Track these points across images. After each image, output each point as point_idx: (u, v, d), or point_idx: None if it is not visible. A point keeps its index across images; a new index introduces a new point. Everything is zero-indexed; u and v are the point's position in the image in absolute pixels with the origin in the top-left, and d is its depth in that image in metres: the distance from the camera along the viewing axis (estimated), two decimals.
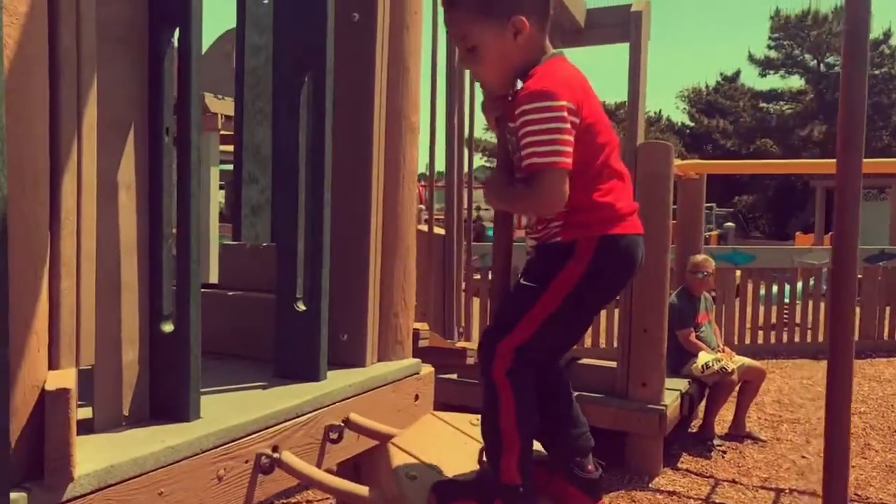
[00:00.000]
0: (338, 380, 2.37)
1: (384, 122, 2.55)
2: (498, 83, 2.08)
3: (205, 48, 9.04)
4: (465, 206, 5.22)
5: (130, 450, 1.68)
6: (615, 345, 7.22)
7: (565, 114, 1.86)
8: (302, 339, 2.37)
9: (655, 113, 46.23)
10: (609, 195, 1.97)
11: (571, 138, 1.87)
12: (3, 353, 1.34)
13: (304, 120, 2.37)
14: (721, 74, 46.66)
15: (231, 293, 2.82)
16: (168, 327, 1.93)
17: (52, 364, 1.56)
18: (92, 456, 1.61)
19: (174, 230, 1.93)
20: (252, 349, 2.67)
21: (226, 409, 2.03)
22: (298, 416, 2.14)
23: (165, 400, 1.92)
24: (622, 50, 5.43)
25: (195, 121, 1.89)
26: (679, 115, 49.37)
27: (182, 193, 1.89)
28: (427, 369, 2.76)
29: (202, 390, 2.03)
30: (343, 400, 2.31)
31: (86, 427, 1.79)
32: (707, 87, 46.04)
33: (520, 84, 2.02)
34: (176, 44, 1.90)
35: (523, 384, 1.98)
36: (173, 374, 1.91)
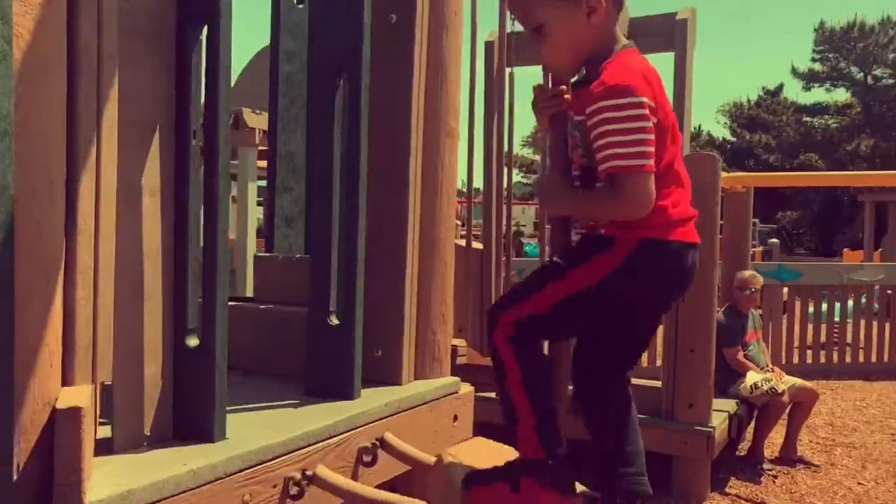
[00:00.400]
0: (372, 399, 2.24)
1: (422, 128, 2.43)
2: (565, 66, 1.94)
3: (243, 63, 9.08)
4: (504, 220, 5.07)
5: (150, 473, 1.56)
6: (658, 363, 7.01)
7: (647, 111, 1.73)
8: (334, 354, 2.25)
9: (695, 128, 45.62)
10: (666, 199, 1.83)
11: (653, 137, 1.74)
12: (7, 365, 1.24)
13: (340, 126, 2.26)
14: (763, 88, 45.97)
15: (263, 307, 2.72)
16: (193, 341, 1.82)
17: (67, 379, 1.45)
18: (108, 479, 1.50)
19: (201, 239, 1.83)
20: (285, 365, 2.56)
21: (253, 430, 1.91)
22: (330, 438, 2.01)
23: (189, 419, 1.81)
24: (662, 60, 5.28)
25: (223, 124, 1.78)
26: (720, 130, 48.79)
27: (209, 199, 1.78)
28: (466, 388, 2.62)
29: (229, 408, 1.91)
30: (378, 420, 2.18)
31: (105, 447, 1.69)
32: (749, 101, 45.37)
33: (584, 72, 1.90)
34: (204, 42, 1.80)
35: (527, 352, 1.89)
36: (198, 391, 1.80)
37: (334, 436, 2.03)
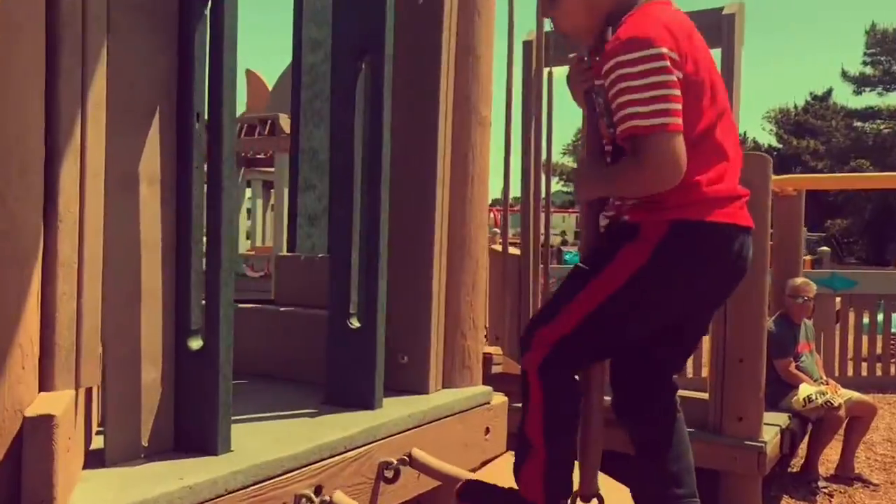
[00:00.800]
0: (395, 408, 2.07)
1: (451, 115, 2.25)
2: (583, 29, 1.74)
3: (282, 68, 9.00)
4: (542, 226, 4.88)
5: (140, 488, 1.40)
6: (703, 374, 6.75)
7: (667, 63, 1.51)
8: (355, 360, 2.09)
9: (741, 135, 44.78)
10: (702, 172, 1.57)
11: (679, 92, 1.52)
12: None
13: (362, 115, 2.10)
14: (811, 94, 45.06)
15: (283, 309, 2.56)
16: (196, 343, 1.67)
17: (46, 384, 1.30)
18: (91, 495, 1.34)
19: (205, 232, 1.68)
20: (305, 371, 2.40)
21: (262, 442, 1.75)
22: (347, 451, 1.84)
23: (191, 429, 1.66)
24: None
25: (229, 103, 1.63)
26: (766, 136, 47.86)
27: (213, 186, 1.63)
28: (499, 399, 2.43)
29: (238, 418, 1.76)
30: (401, 432, 2.00)
31: (98, 459, 1.54)
32: (796, 107, 44.50)
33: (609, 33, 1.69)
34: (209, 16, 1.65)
35: (557, 383, 1.66)
36: (200, 398, 1.64)
37: (352, 449, 1.85)
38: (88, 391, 1.54)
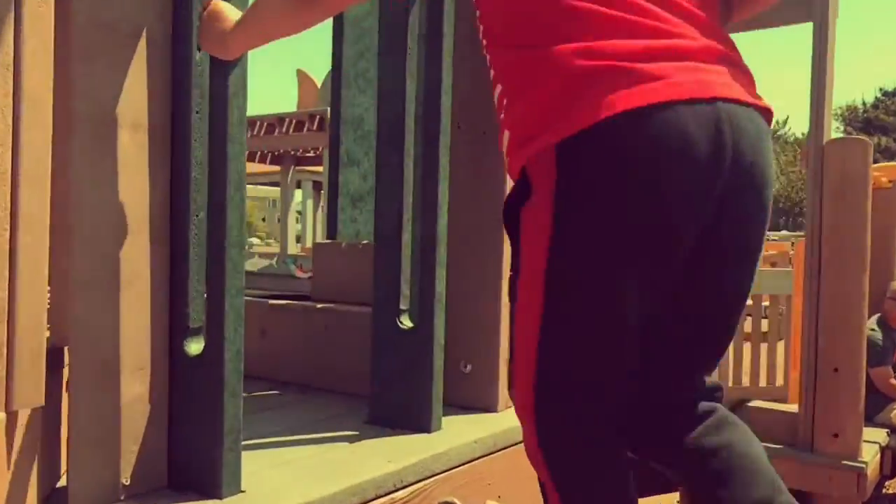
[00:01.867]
0: (457, 431, 1.64)
1: None
2: None
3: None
4: None
5: None
6: (778, 381, 6.24)
7: None
8: (406, 368, 1.67)
9: (803, 134, 43.93)
10: (574, 37, 0.95)
11: None
12: None
13: (415, 62, 1.67)
14: (880, 89, 43.87)
15: (320, 306, 2.14)
16: (195, 347, 1.26)
17: None
18: None
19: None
20: (344, 381, 1.98)
21: (284, 478, 1.33)
22: (396, 490, 1.41)
23: (188, 461, 1.24)
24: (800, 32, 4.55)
25: None
26: (833, 134, 47.17)
27: (216, 136, 1.21)
28: None
29: (257, 443, 1.35)
30: (465, 463, 1.56)
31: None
32: (864, 103, 43.41)
33: None
34: None
35: (572, 463, 1.05)
36: (200, 420, 1.23)
37: (402, 487, 1.42)
38: (50, 410, 1.14)
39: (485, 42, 1.09)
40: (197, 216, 1.24)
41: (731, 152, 0.94)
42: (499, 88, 1.04)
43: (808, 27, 4.79)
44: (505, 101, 1.03)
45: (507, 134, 1.03)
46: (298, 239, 12.72)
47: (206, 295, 1.24)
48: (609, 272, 0.99)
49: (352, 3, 1.23)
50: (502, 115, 1.04)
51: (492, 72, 1.07)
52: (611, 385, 1.05)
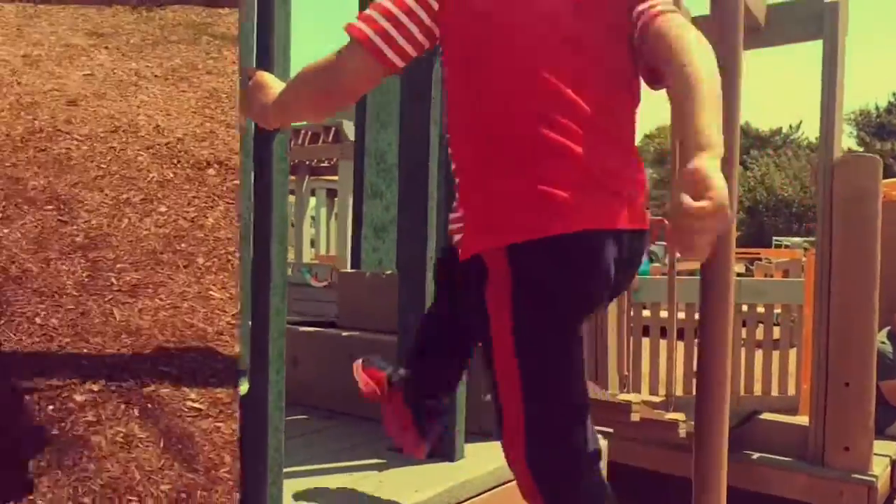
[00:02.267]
0: (480, 460, 1.74)
1: None
2: None
3: None
4: None
5: None
6: (790, 391, 6.29)
7: None
8: None
9: (817, 138, 43.61)
10: (534, 164, 1.17)
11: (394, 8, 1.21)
12: None
13: (439, 116, 1.78)
14: (894, 94, 43.49)
15: (346, 334, 2.26)
16: (243, 388, 1.37)
17: None
18: None
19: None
20: (370, 407, 2.08)
21: None
22: None
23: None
24: (809, 49, 4.64)
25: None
26: (846, 139, 46.55)
27: (261, 180, 1.32)
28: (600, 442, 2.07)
29: (293, 470, 1.46)
30: (489, 490, 1.66)
31: None
32: (877, 108, 43.01)
33: None
34: None
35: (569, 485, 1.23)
36: (243, 458, 1.34)
37: None
38: None
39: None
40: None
41: (625, 256, 1.22)
42: (454, 166, 1.29)
43: (817, 44, 4.87)
44: (458, 181, 1.27)
45: (462, 211, 1.25)
46: (313, 243, 12.93)
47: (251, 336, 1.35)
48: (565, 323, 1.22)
49: (365, 91, 1.38)
50: (458, 181, 1.27)
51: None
52: (586, 409, 1.26)
